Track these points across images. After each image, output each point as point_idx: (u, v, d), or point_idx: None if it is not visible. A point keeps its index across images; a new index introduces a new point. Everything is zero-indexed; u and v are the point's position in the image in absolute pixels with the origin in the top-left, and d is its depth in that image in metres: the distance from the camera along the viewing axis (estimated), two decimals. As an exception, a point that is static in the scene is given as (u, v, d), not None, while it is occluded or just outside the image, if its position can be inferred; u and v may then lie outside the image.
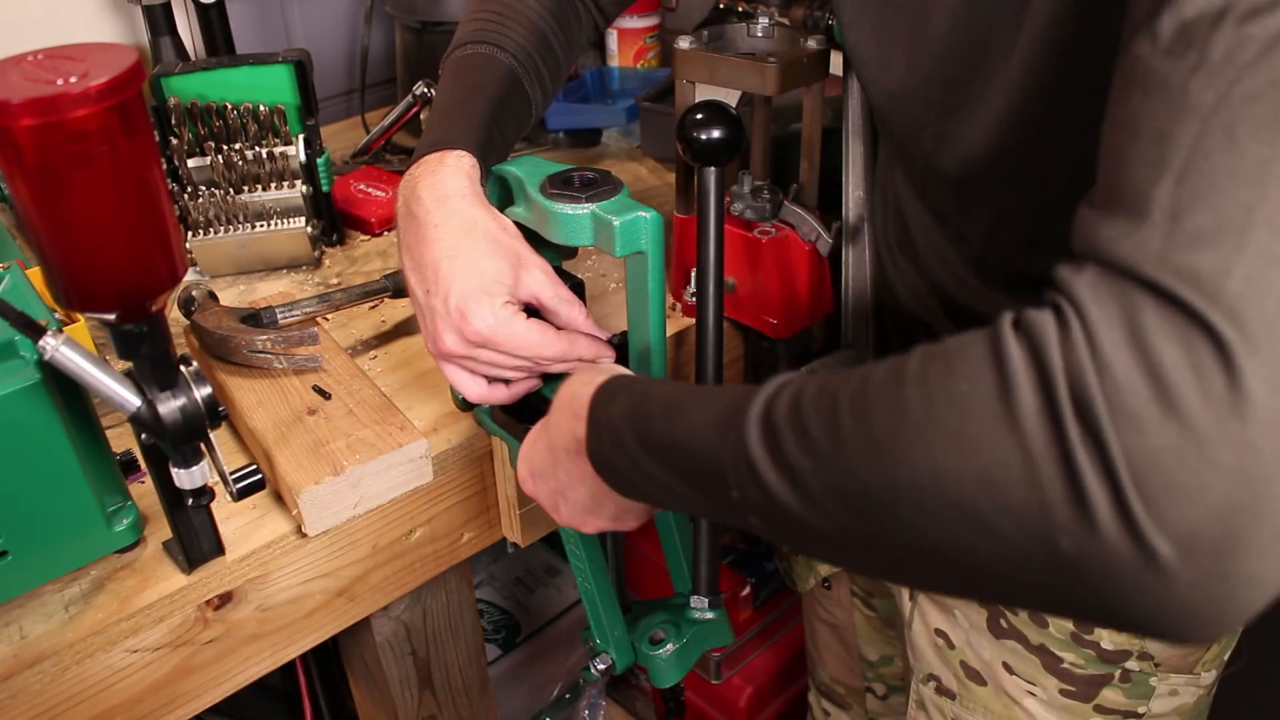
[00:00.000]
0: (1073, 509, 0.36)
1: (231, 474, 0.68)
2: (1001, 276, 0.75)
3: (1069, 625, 0.84)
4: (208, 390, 0.64)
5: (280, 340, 0.85)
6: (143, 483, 0.76)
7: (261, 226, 1.06)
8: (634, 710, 1.71)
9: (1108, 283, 0.38)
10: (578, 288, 0.80)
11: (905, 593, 0.98)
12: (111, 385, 0.60)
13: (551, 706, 1.63)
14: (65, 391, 0.64)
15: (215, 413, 0.64)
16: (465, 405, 0.84)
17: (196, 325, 0.89)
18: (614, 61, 1.51)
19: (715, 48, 0.92)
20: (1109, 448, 0.36)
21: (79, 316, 0.84)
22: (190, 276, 1.08)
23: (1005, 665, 0.87)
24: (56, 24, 1.27)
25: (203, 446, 0.66)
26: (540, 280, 0.71)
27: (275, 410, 0.83)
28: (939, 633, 0.93)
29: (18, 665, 0.66)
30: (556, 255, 0.82)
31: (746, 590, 1.56)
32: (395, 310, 1.00)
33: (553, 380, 0.77)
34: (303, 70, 1.05)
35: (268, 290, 1.05)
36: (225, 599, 0.73)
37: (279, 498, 0.79)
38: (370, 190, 1.19)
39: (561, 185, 0.72)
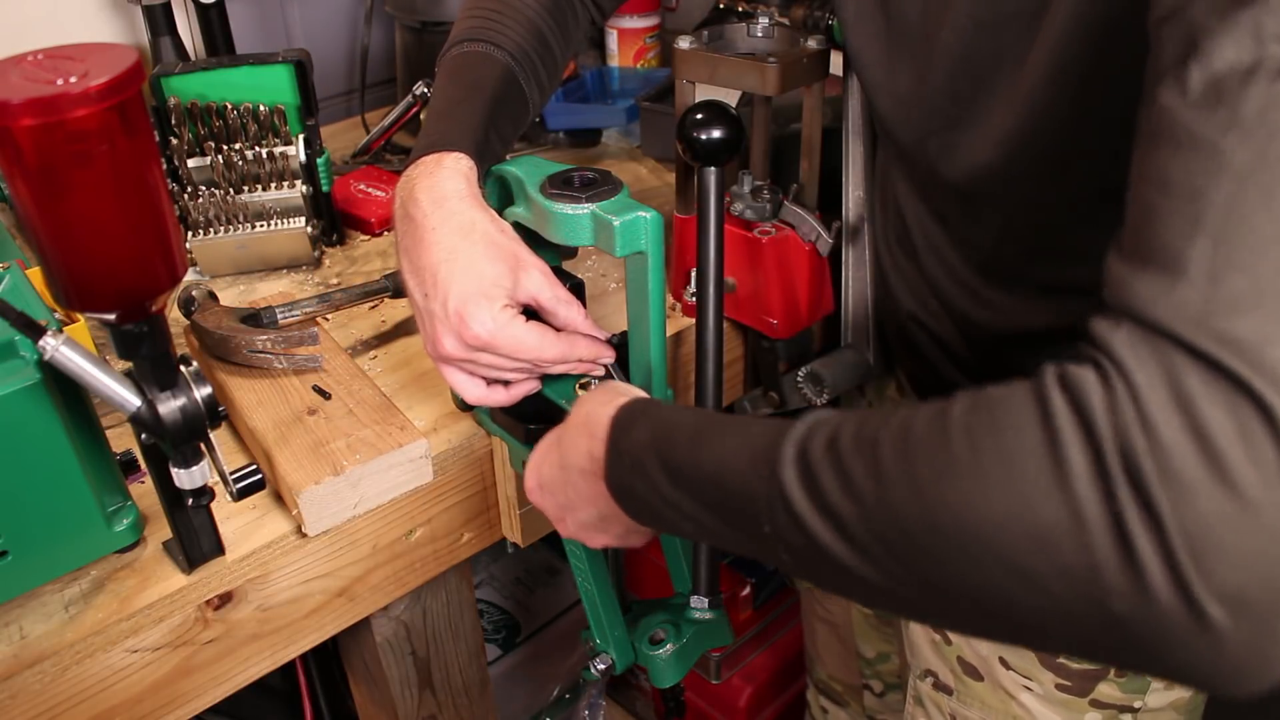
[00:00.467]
0: (1124, 572, 0.37)
1: (231, 474, 0.68)
2: (1003, 279, 0.75)
3: None
4: (208, 390, 0.64)
5: (280, 340, 0.85)
6: (143, 483, 0.76)
7: (261, 226, 1.06)
8: (634, 710, 1.71)
9: (1147, 343, 0.38)
10: (578, 288, 0.80)
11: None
12: (111, 385, 0.60)
13: (551, 706, 1.63)
14: (65, 391, 0.64)
15: (215, 413, 0.64)
16: (465, 405, 0.84)
17: (196, 325, 0.89)
18: (614, 61, 1.51)
19: (715, 48, 0.92)
20: (1160, 512, 0.36)
21: (79, 316, 0.84)
22: (190, 276, 1.08)
23: (1002, 660, 0.88)
24: (56, 24, 1.27)
25: (203, 446, 0.66)
26: (539, 281, 0.71)
27: (275, 410, 0.83)
28: (936, 629, 0.93)
29: (18, 665, 0.66)
30: (556, 255, 0.82)
31: (746, 590, 1.56)
32: (395, 310, 1.00)
33: (552, 381, 0.77)
34: (303, 70, 1.05)
35: (268, 290, 1.05)
36: (225, 599, 0.74)
37: (279, 498, 0.79)
38: (370, 190, 1.19)
39: (561, 185, 0.72)
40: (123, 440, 0.81)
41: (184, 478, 0.65)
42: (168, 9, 1.21)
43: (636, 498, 0.60)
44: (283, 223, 1.07)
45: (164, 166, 0.82)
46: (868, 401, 1.05)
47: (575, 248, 0.82)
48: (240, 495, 0.69)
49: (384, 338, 0.97)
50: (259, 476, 0.69)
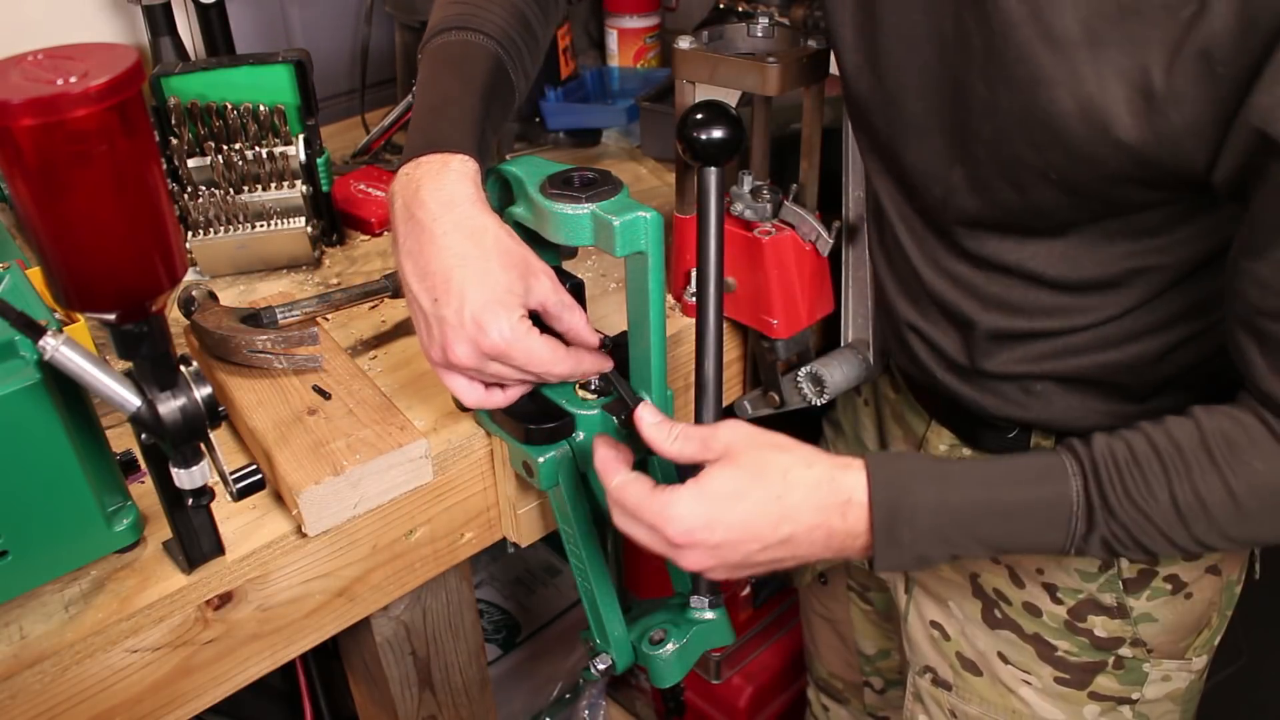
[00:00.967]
0: None
1: (231, 474, 0.68)
2: (985, 265, 0.75)
3: (1063, 614, 0.84)
4: (208, 390, 0.64)
5: (280, 340, 0.85)
6: (143, 483, 0.76)
7: (261, 226, 1.06)
8: (634, 710, 1.72)
9: None
10: (577, 288, 0.80)
11: (901, 586, 0.98)
12: (111, 385, 0.60)
13: (551, 706, 1.63)
14: (65, 391, 0.64)
15: (215, 413, 0.64)
16: (465, 406, 0.84)
17: (196, 325, 0.89)
18: (614, 61, 1.51)
19: (715, 48, 0.92)
20: None
21: (79, 316, 0.84)
22: (190, 276, 1.08)
23: (1000, 655, 0.88)
24: (56, 24, 1.27)
25: (203, 446, 0.66)
26: (547, 287, 0.72)
27: (275, 410, 0.83)
28: (934, 625, 0.94)
29: (18, 665, 0.66)
30: (556, 255, 0.82)
31: (746, 590, 1.56)
32: (395, 310, 1.00)
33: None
34: (303, 70, 1.05)
35: (268, 290, 1.05)
36: (225, 599, 0.74)
37: (279, 498, 0.79)
38: (370, 190, 1.19)
39: (561, 185, 0.72)
40: (123, 440, 0.81)
41: (184, 478, 0.65)
42: (168, 9, 1.21)
43: (915, 564, 0.68)
44: (283, 223, 1.07)
45: (164, 166, 0.82)
46: (864, 400, 1.05)
47: (575, 248, 0.82)
48: (240, 495, 0.69)
49: (384, 338, 0.97)
50: (259, 476, 0.69)
